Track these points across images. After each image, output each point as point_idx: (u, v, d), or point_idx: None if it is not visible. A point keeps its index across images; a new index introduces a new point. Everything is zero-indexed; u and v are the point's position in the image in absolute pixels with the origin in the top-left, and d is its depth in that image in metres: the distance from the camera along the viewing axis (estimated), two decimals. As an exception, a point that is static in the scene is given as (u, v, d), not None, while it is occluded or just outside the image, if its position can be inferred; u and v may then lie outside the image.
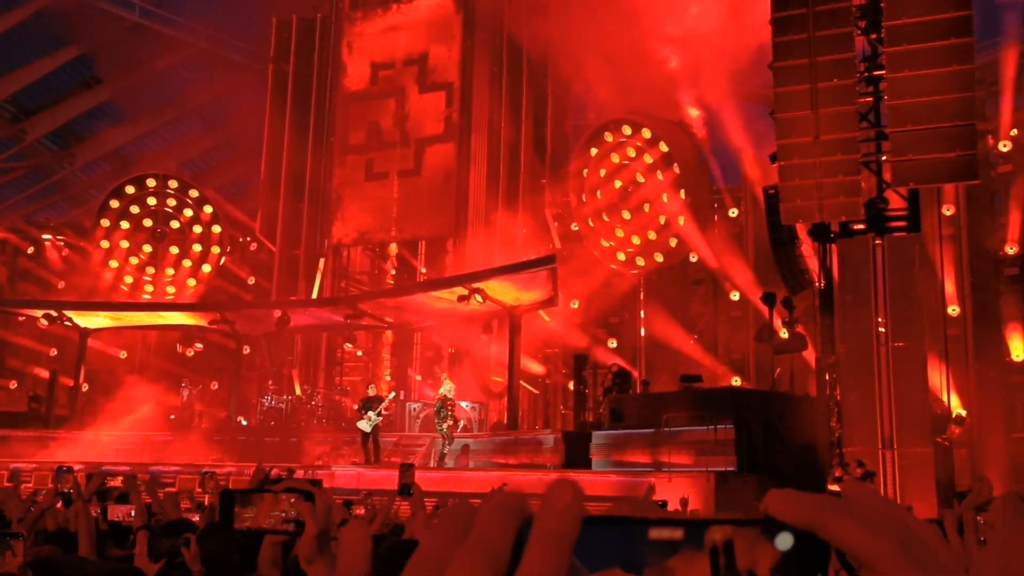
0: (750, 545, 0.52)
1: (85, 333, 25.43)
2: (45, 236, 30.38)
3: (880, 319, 16.19)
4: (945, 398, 18.48)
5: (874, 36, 16.44)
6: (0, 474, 20.77)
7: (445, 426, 18.64)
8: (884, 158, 16.33)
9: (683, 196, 23.83)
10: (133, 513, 6.13)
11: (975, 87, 15.42)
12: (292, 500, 2.18)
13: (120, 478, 8.95)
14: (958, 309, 20.19)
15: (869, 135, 16.57)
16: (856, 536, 0.52)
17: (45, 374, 27.08)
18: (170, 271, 28.97)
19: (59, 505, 6.12)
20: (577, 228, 25.37)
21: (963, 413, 18.91)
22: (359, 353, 28.31)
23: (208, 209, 29.09)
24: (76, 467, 14.17)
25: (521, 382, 22.42)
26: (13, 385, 28.73)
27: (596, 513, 0.54)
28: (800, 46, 15.98)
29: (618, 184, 24.79)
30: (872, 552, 0.53)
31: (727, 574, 0.51)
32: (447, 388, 18.93)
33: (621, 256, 24.90)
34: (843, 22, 15.99)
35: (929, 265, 17.93)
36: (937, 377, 17.95)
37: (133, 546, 4.50)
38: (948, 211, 20.42)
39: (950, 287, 20.26)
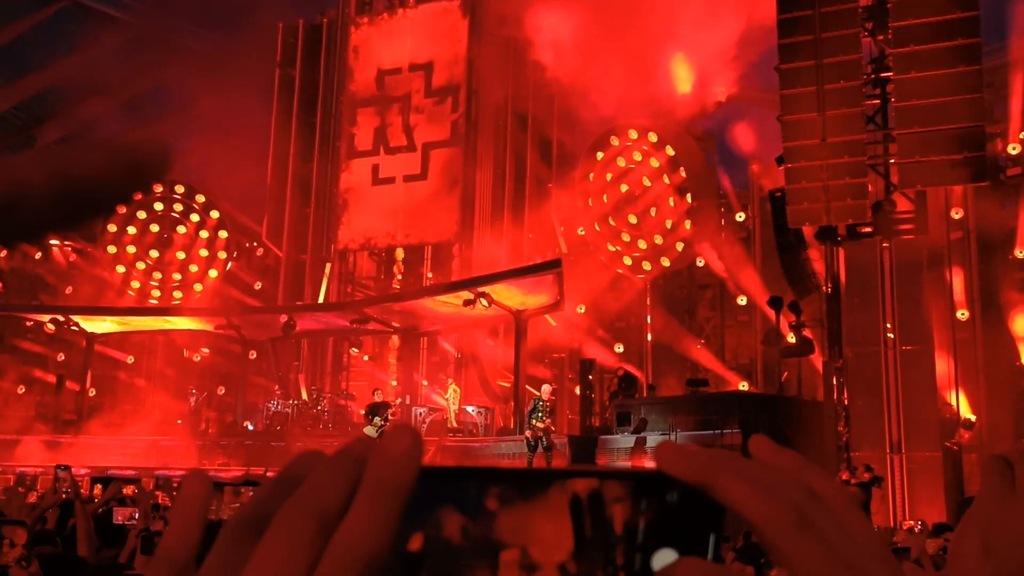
0: (623, 500, 0.46)
1: (92, 338, 25.46)
2: (52, 241, 30.45)
3: (888, 323, 16.08)
4: (954, 402, 18.33)
5: (881, 37, 16.38)
6: (7, 478, 20.84)
7: (535, 426, 17.28)
8: (891, 160, 16.25)
9: (689, 200, 23.75)
10: (136, 515, 6.11)
11: (983, 89, 15.32)
12: (251, 493, 2.14)
13: (132, 487, 8.94)
14: (967, 313, 20.03)
15: (876, 137, 16.50)
16: (746, 498, 0.46)
17: (52, 379, 27.12)
18: (177, 276, 29.01)
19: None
20: (583, 232, 25.29)
21: (972, 417, 18.75)
22: (365, 358, 28.30)
23: (215, 214, 29.13)
24: (82, 471, 14.17)
25: (527, 386, 22.35)
26: (21, 390, 28.77)
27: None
28: (806, 48, 15.91)
29: (624, 188, 24.71)
30: (760, 518, 0.47)
31: (593, 531, 0.45)
32: (544, 390, 17.45)
33: (627, 260, 24.81)
34: (849, 23, 15.92)
35: (937, 268, 17.77)
36: (946, 381, 17.81)
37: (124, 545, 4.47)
38: (956, 214, 20.28)
39: (959, 290, 20.09)
